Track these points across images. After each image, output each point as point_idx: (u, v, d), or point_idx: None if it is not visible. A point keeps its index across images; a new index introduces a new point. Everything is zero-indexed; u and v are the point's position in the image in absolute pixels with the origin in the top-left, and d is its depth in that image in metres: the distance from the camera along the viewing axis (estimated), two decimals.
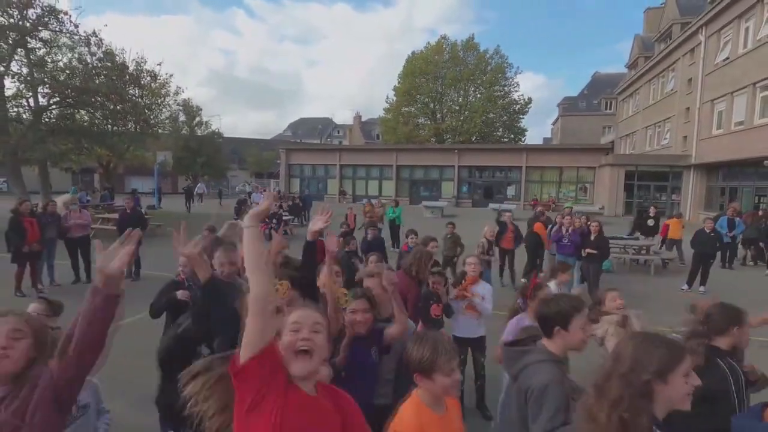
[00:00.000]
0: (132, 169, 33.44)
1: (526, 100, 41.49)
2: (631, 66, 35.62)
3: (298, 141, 58.38)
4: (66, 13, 15.52)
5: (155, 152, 25.23)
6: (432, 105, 42.19)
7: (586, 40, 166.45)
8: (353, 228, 12.77)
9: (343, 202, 29.95)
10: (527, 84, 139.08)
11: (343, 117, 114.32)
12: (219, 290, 2.40)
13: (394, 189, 32.46)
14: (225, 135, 39.99)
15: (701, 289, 8.33)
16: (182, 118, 34.78)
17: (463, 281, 3.91)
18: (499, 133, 41.72)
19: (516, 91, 41.26)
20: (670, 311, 7.14)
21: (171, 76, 20.31)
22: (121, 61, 18.21)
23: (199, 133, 36.26)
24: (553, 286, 3.95)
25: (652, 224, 10.73)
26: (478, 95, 40.66)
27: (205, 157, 35.26)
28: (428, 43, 42.42)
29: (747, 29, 18.45)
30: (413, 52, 42.02)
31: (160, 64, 19.35)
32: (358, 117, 63.15)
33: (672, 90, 25.78)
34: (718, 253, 10.42)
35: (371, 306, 2.42)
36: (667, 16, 29.46)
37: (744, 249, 11.31)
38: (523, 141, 42.46)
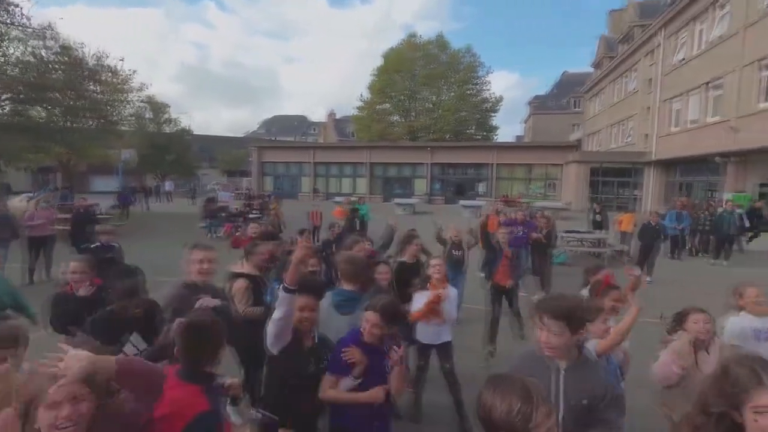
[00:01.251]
0: (95, 168, 32.32)
1: (497, 98, 42.25)
2: (597, 66, 36.75)
3: (272, 139, 57.61)
4: (17, 5, 14.84)
5: (119, 150, 24.46)
6: (405, 103, 42.45)
7: (560, 39, 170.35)
8: (318, 226, 12.78)
9: (316, 200, 29.80)
10: (502, 82, 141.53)
11: (319, 115, 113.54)
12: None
13: (367, 187, 32.53)
14: (196, 132, 39.18)
15: (647, 279, 8.73)
16: (148, 114, 33.80)
17: (428, 284, 3.63)
18: (471, 131, 42.32)
19: (487, 89, 41.97)
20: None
21: (134, 71, 19.63)
22: (79, 55, 17.57)
23: (167, 130, 35.31)
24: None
25: (599, 219, 11.21)
26: (451, 93, 41.12)
27: (174, 155, 34.40)
28: (402, 40, 42.55)
29: (700, 31, 19.35)
30: (391, 48, 42.19)
31: (122, 60, 18.76)
32: (332, 115, 62.80)
33: (634, 89, 26.77)
34: (668, 245, 10.99)
35: (384, 320, 2.33)
36: (629, 18, 30.54)
37: (690, 240, 11.92)
38: (495, 138, 43.24)
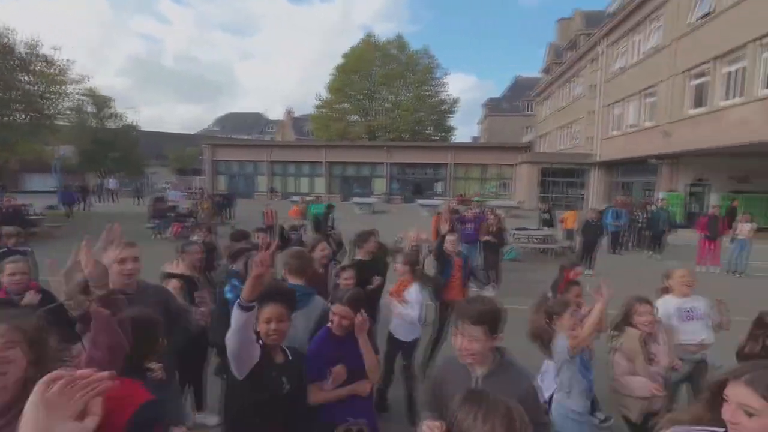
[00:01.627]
0: (29, 166, 29.84)
1: (454, 99, 43.21)
2: (546, 71, 38.52)
3: (227, 137, 55.73)
4: None
5: (56, 146, 22.75)
6: (364, 102, 42.49)
7: (515, 44, 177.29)
8: (272, 225, 12.51)
9: (273, 200, 29.16)
10: (460, 84, 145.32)
11: (277, 113, 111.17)
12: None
13: (325, 186, 32.25)
14: (147, 129, 37.11)
15: (589, 272, 9.28)
16: (90, 109, 31.68)
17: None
18: (429, 132, 43.03)
19: (444, 91, 42.81)
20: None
21: (72, 62, 18.29)
22: (9, 42, 16.14)
23: (111, 125, 33.21)
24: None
25: (547, 218, 11.81)
26: (409, 94, 41.59)
27: (118, 152, 32.41)
28: (362, 39, 42.54)
29: (637, 42, 20.77)
30: (351, 47, 42.05)
31: (57, 49, 17.43)
32: (289, 113, 61.69)
33: (579, 95, 28.31)
34: (608, 240, 11.73)
35: (353, 309, 2.36)
36: (575, 27, 32.26)
37: (628, 236, 12.80)
38: (452, 139, 44.22)
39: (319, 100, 43.05)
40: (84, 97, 25.47)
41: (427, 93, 41.77)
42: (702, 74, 15.72)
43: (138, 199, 27.29)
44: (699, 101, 15.92)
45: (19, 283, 2.94)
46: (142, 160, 36.46)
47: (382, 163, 32.29)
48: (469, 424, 1.15)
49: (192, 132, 62.06)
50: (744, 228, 9.42)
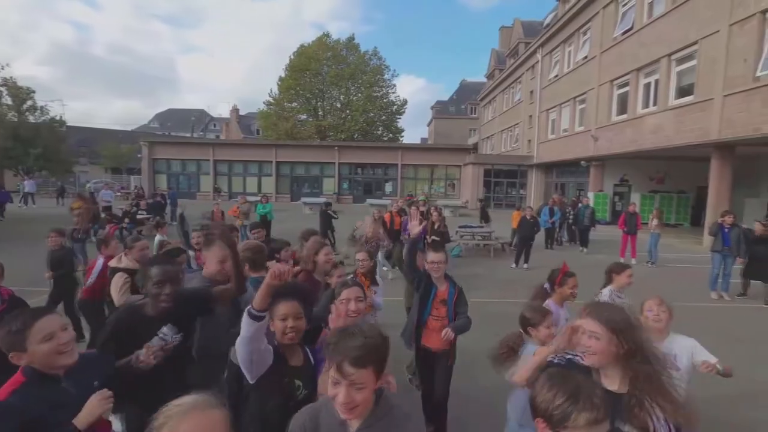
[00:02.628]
0: None
1: (402, 101, 43.94)
2: (490, 76, 40.27)
3: (166, 134, 52.80)
4: None
5: None
6: (314, 102, 42.08)
7: (464, 48, 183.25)
8: None
9: (218, 200, 28.08)
10: (411, 86, 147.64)
11: (222, 110, 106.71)
12: None
13: (274, 186, 31.58)
14: (75, 124, 34.12)
15: (525, 266, 9.93)
16: (7, 101, 28.72)
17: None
18: (379, 132, 43.45)
19: (393, 92, 43.43)
20: (498, 286, 8.49)
21: None
22: None
23: (32, 119, 30.29)
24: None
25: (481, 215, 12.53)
26: (359, 94, 41.75)
27: (41, 148, 29.61)
28: (314, 40, 42.07)
29: (569, 53, 22.34)
30: (302, 45, 41.39)
31: None
32: (235, 110, 59.62)
33: (519, 100, 29.91)
34: (543, 236, 12.58)
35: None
36: (515, 35, 34.02)
37: (560, 232, 13.82)
38: (401, 140, 44.92)
39: (272, 97, 42.09)
40: (0, 88, 23.06)
41: (377, 94, 42.16)
42: (625, 84, 17.25)
43: (60, 199, 25.19)
44: (622, 109, 17.45)
45: None
46: (70, 158, 33.59)
47: (333, 162, 32.18)
48: (539, 390, 1.28)
49: (128, 128, 58.14)
50: (652, 222, 10.57)
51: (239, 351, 1.78)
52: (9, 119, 28.76)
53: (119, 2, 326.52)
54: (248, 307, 1.73)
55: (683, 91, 14.06)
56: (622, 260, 10.84)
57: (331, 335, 1.43)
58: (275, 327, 1.90)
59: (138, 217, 13.33)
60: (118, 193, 25.65)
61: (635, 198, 18.85)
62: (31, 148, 28.96)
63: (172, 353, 2.16)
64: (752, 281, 7.45)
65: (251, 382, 1.84)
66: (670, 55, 14.41)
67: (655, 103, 15.33)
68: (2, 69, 17.70)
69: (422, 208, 9.92)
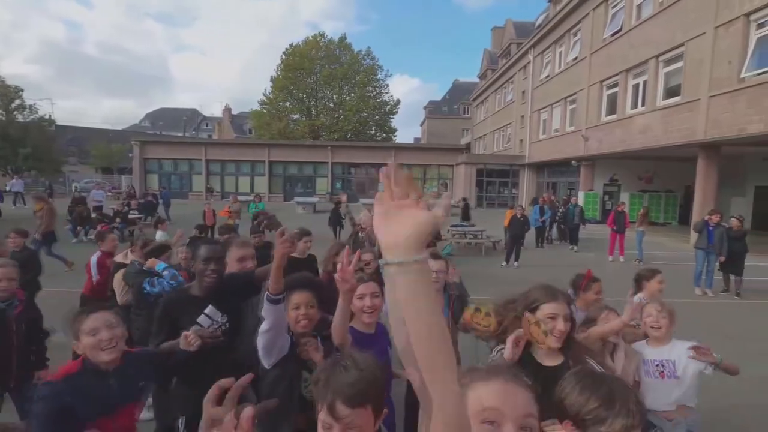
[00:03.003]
0: None
1: (396, 101, 44.07)
2: (482, 76, 40.49)
3: (158, 133, 52.42)
4: None
5: None
6: (307, 101, 42.04)
7: (459, 48, 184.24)
8: (213, 224, 12.14)
9: (210, 200, 27.98)
10: (405, 86, 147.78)
11: (215, 109, 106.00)
12: None
13: (267, 186, 31.52)
14: (65, 123, 33.77)
15: (515, 264, 10.06)
16: None
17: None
18: (372, 132, 43.53)
19: (386, 92, 43.52)
20: (489, 284, 8.58)
21: None
22: None
23: (20, 118, 29.96)
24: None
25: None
26: (352, 94, 41.79)
27: (30, 148, 29.30)
28: (307, 37, 42.03)
29: (560, 53, 22.58)
30: (291, 44, 41.32)
31: None
32: (227, 110, 59.33)
33: (511, 100, 30.13)
34: (533, 234, 12.75)
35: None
36: (507, 35, 34.26)
37: (550, 231, 14.00)
38: (394, 140, 45.03)
39: (265, 96, 41.96)
40: None
41: (370, 94, 42.24)
42: (614, 85, 17.49)
43: (50, 199, 24.92)
44: (612, 109, 17.69)
45: (6, 290, 2.66)
46: (60, 157, 33.28)
47: (325, 162, 32.19)
48: (568, 393, 1.19)
49: (119, 128, 57.62)
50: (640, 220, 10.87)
51: (260, 338, 1.87)
52: None
53: (112, 0, 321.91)
54: (265, 293, 1.82)
55: (671, 92, 14.30)
56: (610, 258, 11.06)
57: (318, 370, 1.22)
58: (288, 317, 1.97)
59: (129, 216, 13.27)
60: (109, 193, 25.42)
61: (624, 197, 19.10)
62: (19, 147, 28.70)
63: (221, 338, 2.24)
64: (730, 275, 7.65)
65: (267, 367, 1.92)
66: (657, 56, 14.65)
67: (643, 104, 15.56)
68: None
69: None
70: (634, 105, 16.24)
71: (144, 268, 3.53)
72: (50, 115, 32.40)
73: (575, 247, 12.59)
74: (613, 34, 17.37)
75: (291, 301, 1.98)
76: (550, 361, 1.67)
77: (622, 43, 16.71)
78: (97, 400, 1.69)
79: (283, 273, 1.86)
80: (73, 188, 25.30)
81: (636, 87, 16.22)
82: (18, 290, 2.76)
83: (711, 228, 7.37)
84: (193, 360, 2.03)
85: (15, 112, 29.79)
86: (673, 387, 2.26)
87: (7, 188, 22.30)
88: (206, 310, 2.28)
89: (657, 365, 2.32)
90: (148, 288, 3.27)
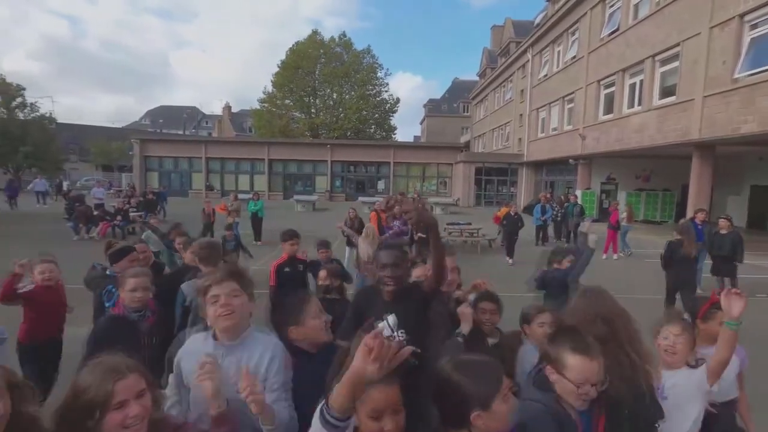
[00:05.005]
0: None
1: (395, 99, 44.17)
2: (481, 75, 40.56)
3: (158, 131, 52.53)
4: None
5: None
6: (307, 99, 42.14)
7: (462, 46, 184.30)
8: (213, 221, 12.29)
9: (210, 198, 28.10)
10: (408, 84, 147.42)
11: (215, 107, 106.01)
12: None
13: (266, 184, 31.66)
14: (66, 121, 33.86)
15: (509, 261, 10.21)
16: None
17: None
18: (372, 130, 43.65)
19: (386, 91, 43.63)
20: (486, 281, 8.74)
21: None
22: None
23: (21, 116, 30.05)
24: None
25: None
26: (352, 93, 41.90)
27: (31, 146, 29.40)
28: (307, 36, 42.07)
29: (559, 52, 22.66)
30: (296, 43, 41.40)
31: None
32: (228, 108, 59.41)
33: (510, 99, 30.21)
34: (534, 232, 12.92)
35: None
36: (506, 34, 34.32)
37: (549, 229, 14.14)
38: (394, 138, 45.15)
39: (266, 94, 42.08)
40: None
41: (370, 93, 42.34)
42: (611, 84, 17.59)
43: (56, 196, 25.09)
44: (609, 108, 17.79)
45: (140, 301, 2.52)
46: (60, 156, 33.39)
47: (325, 160, 32.33)
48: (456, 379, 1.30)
49: (119, 125, 57.71)
50: (622, 216, 11.52)
51: None
52: None
53: None
54: (322, 406, 1.14)
55: (666, 92, 14.41)
56: (603, 256, 11.19)
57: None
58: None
59: (130, 214, 13.42)
60: (110, 191, 25.54)
61: (621, 196, 19.25)
62: (20, 145, 28.77)
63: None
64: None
65: None
66: (654, 56, 14.75)
67: (639, 103, 15.67)
68: None
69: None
70: (631, 104, 16.35)
71: (108, 272, 3.30)
72: (51, 113, 32.49)
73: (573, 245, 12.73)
74: (610, 34, 17.46)
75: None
76: None
77: (619, 42, 16.80)
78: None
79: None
80: (65, 186, 25.37)
81: (632, 86, 16.32)
82: (150, 300, 2.60)
83: (699, 226, 7.50)
84: None
85: (16, 110, 29.87)
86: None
87: (30, 188, 22.53)
88: (389, 318, 1.90)
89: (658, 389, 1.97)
90: (107, 303, 3.00)
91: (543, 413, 1.47)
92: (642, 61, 15.34)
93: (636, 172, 19.96)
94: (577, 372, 1.44)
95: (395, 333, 1.80)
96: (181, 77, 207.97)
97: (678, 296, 5.54)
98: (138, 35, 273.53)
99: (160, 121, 63.00)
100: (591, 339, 1.54)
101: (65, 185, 25.46)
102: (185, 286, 2.97)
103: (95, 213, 13.22)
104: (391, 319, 1.66)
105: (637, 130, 15.38)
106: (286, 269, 4.32)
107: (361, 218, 8.17)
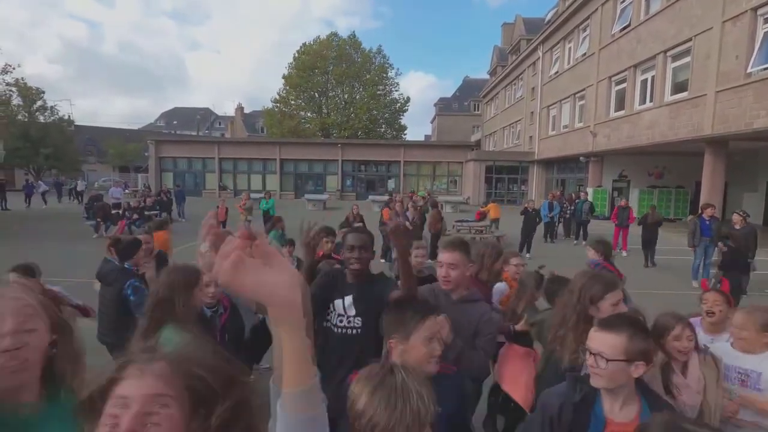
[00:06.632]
0: None
1: (406, 99, 44.24)
2: (492, 73, 40.37)
3: (172, 132, 53.46)
4: None
5: None
6: (318, 99, 42.49)
7: (475, 44, 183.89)
8: (224, 220, 12.59)
9: (223, 197, 28.58)
10: (420, 82, 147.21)
11: (227, 108, 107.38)
12: None
13: (278, 183, 32.04)
14: (83, 123, 34.83)
15: (527, 255, 10.28)
16: (18, 101, 29.38)
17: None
18: (383, 130, 43.81)
19: (397, 90, 43.73)
20: None
21: None
22: None
23: (41, 119, 30.98)
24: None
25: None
26: (363, 93, 42.11)
27: (50, 147, 30.30)
28: (318, 36, 42.46)
29: (569, 49, 22.50)
30: (304, 44, 41.79)
31: None
32: (240, 109, 60.15)
33: (520, 96, 30.04)
34: (543, 229, 12.96)
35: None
36: (517, 32, 34.12)
37: (558, 226, 14.13)
38: (404, 137, 45.22)
39: (278, 94, 42.54)
40: (11, 88, 23.68)
41: (380, 92, 42.49)
42: (622, 81, 17.43)
43: (72, 196, 25.84)
44: (620, 105, 17.64)
45: (214, 297, 2.42)
46: (78, 157, 34.33)
47: (336, 160, 32.58)
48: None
49: (135, 127, 58.89)
50: None
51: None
52: (19, 119, 29.44)
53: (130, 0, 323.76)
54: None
55: (678, 87, 14.25)
56: (614, 253, 11.14)
57: None
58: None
59: (146, 213, 13.80)
60: (126, 191, 26.17)
61: (634, 193, 19.07)
62: (41, 147, 29.67)
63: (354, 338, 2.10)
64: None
65: None
66: (665, 51, 14.60)
67: (651, 100, 15.52)
68: (13, 70, 18.24)
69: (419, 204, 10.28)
70: (642, 101, 16.19)
71: (126, 266, 3.28)
72: (69, 116, 33.44)
73: (582, 242, 12.71)
74: (621, 30, 17.29)
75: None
76: None
77: (630, 38, 16.65)
78: None
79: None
80: (80, 187, 26.00)
81: (644, 82, 16.16)
82: (223, 296, 2.48)
83: (707, 222, 7.47)
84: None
85: (37, 113, 30.82)
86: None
87: (40, 189, 23.26)
88: (347, 298, 2.17)
89: (740, 373, 2.12)
90: (132, 297, 2.98)
91: None
92: (653, 57, 15.19)
93: (648, 169, 19.73)
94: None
95: (349, 316, 2.14)
96: (194, 79, 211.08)
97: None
98: (153, 38, 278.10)
99: (175, 122, 64.09)
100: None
101: (80, 185, 26.11)
102: None
103: (113, 212, 13.61)
104: (349, 299, 2.17)
105: (649, 126, 15.24)
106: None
107: (362, 215, 8.30)
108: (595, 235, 13.62)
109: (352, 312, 2.14)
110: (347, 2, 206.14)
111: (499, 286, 3.17)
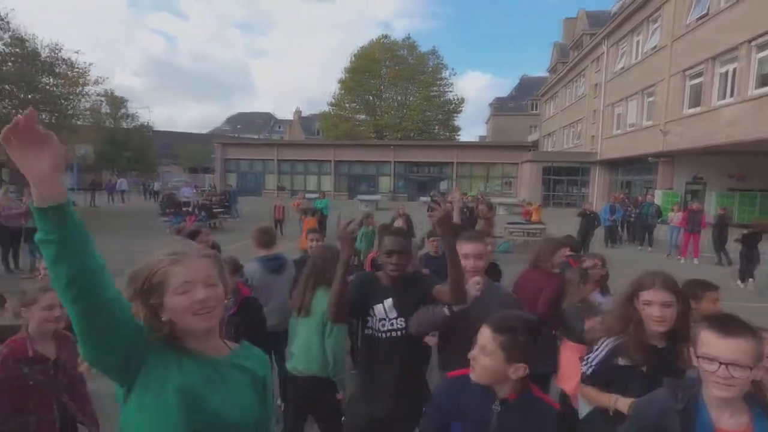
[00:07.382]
0: None
1: (460, 99, 43.69)
2: (552, 70, 38.76)
3: (236, 136, 56.86)
4: None
5: (74, 145, 23.75)
6: (372, 101, 43.19)
7: (532, 42, 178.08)
8: (282, 219, 13.26)
9: (281, 197, 29.96)
10: (477, 82, 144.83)
11: (287, 111, 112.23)
12: None
13: (332, 184, 32.99)
14: (159, 128, 38.28)
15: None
16: (106, 109, 32.80)
17: None
18: (436, 131, 43.61)
19: (451, 91, 43.32)
20: None
21: (91, 64, 19.30)
22: (32, 46, 17.13)
23: (125, 125, 34.39)
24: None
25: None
26: (417, 94, 42.19)
27: (132, 151, 33.52)
28: (372, 39, 43.23)
29: (638, 43, 21.09)
30: (361, 48, 42.74)
31: (77, 52, 18.42)
32: (298, 112, 62.62)
33: (582, 94, 28.60)
34: (604, 233, 12.32)
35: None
36: (579, 27, 32.52)
37: (621, 230, 13.30)
38: (458, 138, 44.68)
39: (334, 97, 43.82)
40: (101, 98, 26.52)
41: (434, 94, 42.33)
42: (698, 74, 16.06)
43: (147, 195, 28.36)
44: (696, 101, 16.26)
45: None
46: (155, 159, 37.67)
47: (388, 161, 32.95)
48: None
49: (204, 131, 63.37)
50: (675, 217, 10.98)
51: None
52: (107, 126, 32.85)
53: (202, 11, 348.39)
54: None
55: (764, 80, 12.90)
56: (682, 260, 10.33)
57: None
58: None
59: (213, 210, 14.90)
60: (194, 191, 28.35)
61: (711, 197, 17.50)
62: (123, 151, 32.91)
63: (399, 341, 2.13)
64: None
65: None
66: (750, 40, 13.26)
67: (732, 94, 14.17)
68: (104, 81, 20.46)
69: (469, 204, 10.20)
70: (722, 95, 14.82)
71: None
72: (149, 122, 36.81)
73: (647, 247, 11.92)
74: (698, 19, 15.95)
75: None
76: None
77: (708, 27, 15.30)
78: None
79: None
80: (155, 187, 28.47)
81: (724, 75, 14.79)
82: (239, 290, 2.71)
83: None
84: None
85: (120, 120, 34.28)
86: None
87: (118, 187, 25.78)
88: (387, 301, 2.15)
89: None
90: None
91: None
92: (736, 47, 13.85)
93: (726, 170, 17.97)
94: None
95: (391, 318, 2.13)
96: (258, 84, 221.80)
97: None
98: (223, 48, 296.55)
99: (238, 126, 68.01)
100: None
101: (156, 185, 28.66)
102: (246, 268, 3.32)
103: (183, 209, 14.82)
104: (389, 303, 2.15)
105: (730, 123, 13.92)
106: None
107: (408, 215, 8.33)
108: (661, 240, 12.76)
109: (394, 314, 2.13)
110: (404, 4, 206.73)
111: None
